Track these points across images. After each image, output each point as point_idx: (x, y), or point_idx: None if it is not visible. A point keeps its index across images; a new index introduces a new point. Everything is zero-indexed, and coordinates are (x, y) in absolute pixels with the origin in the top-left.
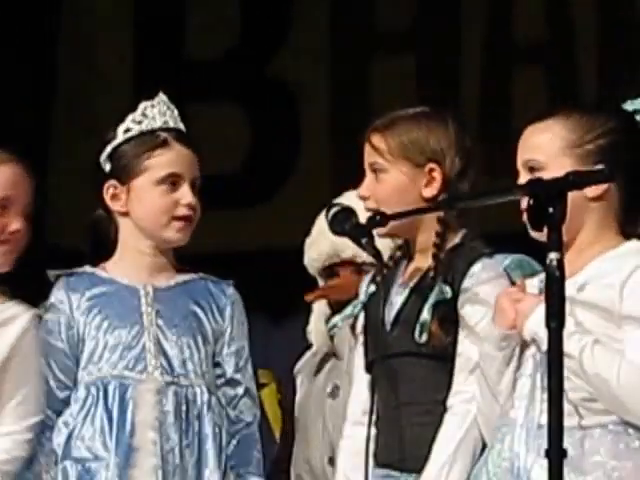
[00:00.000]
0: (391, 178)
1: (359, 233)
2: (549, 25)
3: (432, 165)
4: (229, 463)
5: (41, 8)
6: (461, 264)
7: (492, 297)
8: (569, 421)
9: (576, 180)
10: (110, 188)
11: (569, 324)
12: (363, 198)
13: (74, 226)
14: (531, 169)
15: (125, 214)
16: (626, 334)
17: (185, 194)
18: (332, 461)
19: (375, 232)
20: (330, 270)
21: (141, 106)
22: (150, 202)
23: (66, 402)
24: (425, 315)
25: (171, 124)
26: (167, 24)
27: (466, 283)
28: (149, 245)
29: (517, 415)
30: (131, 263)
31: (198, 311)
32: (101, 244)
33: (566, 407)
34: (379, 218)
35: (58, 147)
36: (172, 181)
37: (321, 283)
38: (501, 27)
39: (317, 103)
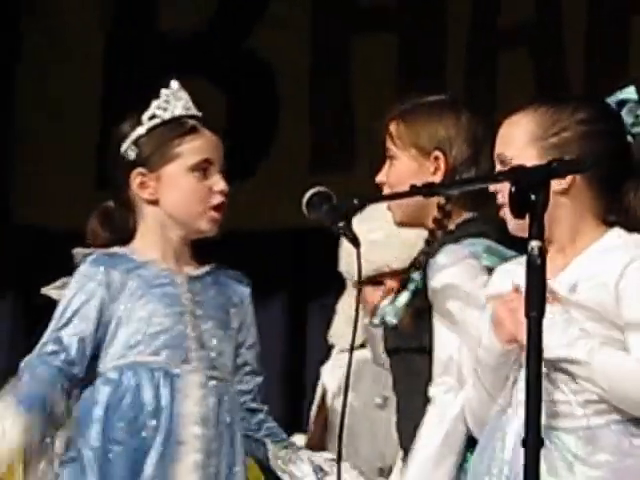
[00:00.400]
0: (401, 164)
1: (335, 217)
2: (537, 7)
3: (437, 153)
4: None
5: None
6: (433, 252)
7: (458, 279)
8: (577, 422)
9: (559, 168)
10: (138, 176)
11: (574, 329)
12: (380, 184)
13: (41, 206)
14: (502, 162)
15: (153, 202)
16: (630, 339)
17: (218, 181)
18: (382, 471)
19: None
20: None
21: (163, 93)
22: (184, 189)
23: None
24: (401, 299)
25: (193, 111)
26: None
27: (430, 272)
28: (178, 234)
29: (514, 417)
30: (158, 250)
31: (225, 302)
32: (113, 232)
33: (573, 409)
34: (357, 202)
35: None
36: (204, 167)
37: (350, 286)
38: (488, 8)
39: (296, 80)
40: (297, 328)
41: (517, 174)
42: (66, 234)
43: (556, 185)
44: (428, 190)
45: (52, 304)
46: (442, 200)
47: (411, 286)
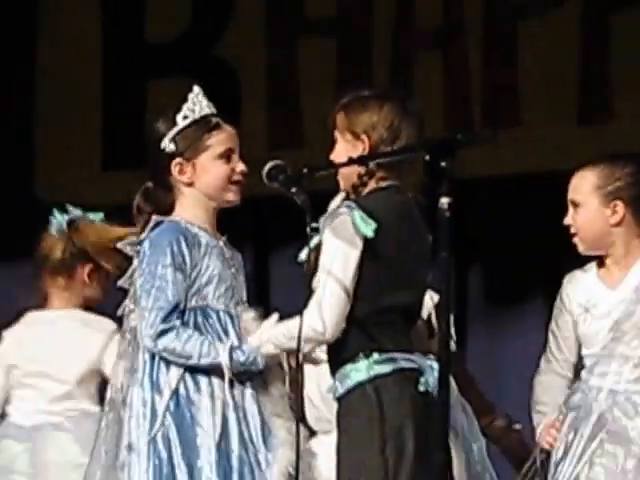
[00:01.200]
0: (340, 145)
1: (290, 183)
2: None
3: (364, 136)
4: None
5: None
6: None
7: (334, 232)
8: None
9: (462, 139)
10: (177, 165)
11: None
12: (331, 163)
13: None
14: (573, 204)
15: (190, 184)
16: None
17: (238, 163)
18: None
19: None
20: None
21: (190, 97)
22: (214, 173)
23: None
24: (311, 243)
25: (214, 110)
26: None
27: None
28: (212, 206)
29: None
30: (200, 221)
31: (237, 264)
32: (155, 207)
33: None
34: (305, 171)
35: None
36: (228, 155)
37: None
38: (406, 19)
39: (255, 79)
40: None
41: (430, 146)
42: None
43: (611, 220)
44: (355, 161)
45: None
46: (362, 171)
47: (318, 233)
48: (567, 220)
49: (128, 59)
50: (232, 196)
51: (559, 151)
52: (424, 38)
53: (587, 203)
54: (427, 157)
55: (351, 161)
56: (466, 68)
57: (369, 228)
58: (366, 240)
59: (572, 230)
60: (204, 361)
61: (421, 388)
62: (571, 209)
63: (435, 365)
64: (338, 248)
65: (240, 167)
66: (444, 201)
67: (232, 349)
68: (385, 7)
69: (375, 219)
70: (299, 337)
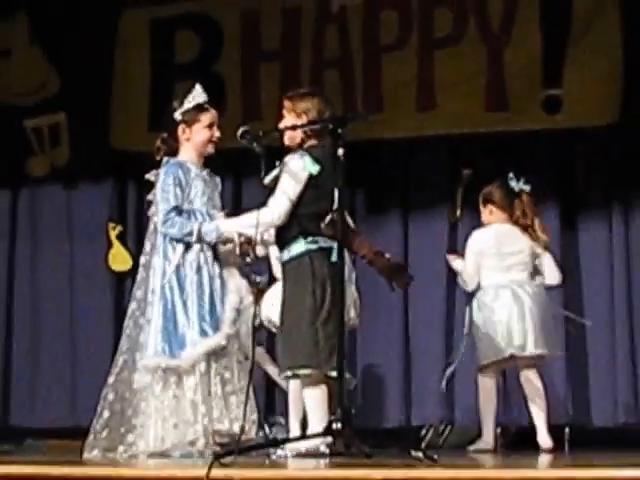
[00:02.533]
0: (288, 120)
1: (253, 140)
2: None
3: (303, 115)
4: None
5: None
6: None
7: (291, 168)
8: None
9: (349, 117)
10: (181, 128)
11: None
12: (281, 128)
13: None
14: None
15: (187, 140)
16: None
17: (215, 132)
18: None
19: None
20: None
21: (193, 90)
22: (202, 136)
23: None
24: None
25: (206, 99)
26: None
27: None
28: (200, 152)
29: None
30: (195, 162)
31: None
32: (168, 149)
33: None
34: (261, 133)
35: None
36: (210, 125)
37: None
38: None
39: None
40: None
41: (334, 120)
42: (131, 154)
43: None
44: (299, 126)
45: None
46: (304, 134)
47: (276, 168)
48: None
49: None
50: (210, 149)
51: None
52: None
53: None
54: (330, 126)
55: (293, 127)
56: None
57: (315, 168)
58: (310, 175)
59: None
60: (180, 233)
61: (333, 259)
62: None
63: (335, 245)
64: (291, 178)
65: (216, 134)
66: (340, 152)
67: (201, 224)
68: None
69: (319, 163)
70: (257, 224)
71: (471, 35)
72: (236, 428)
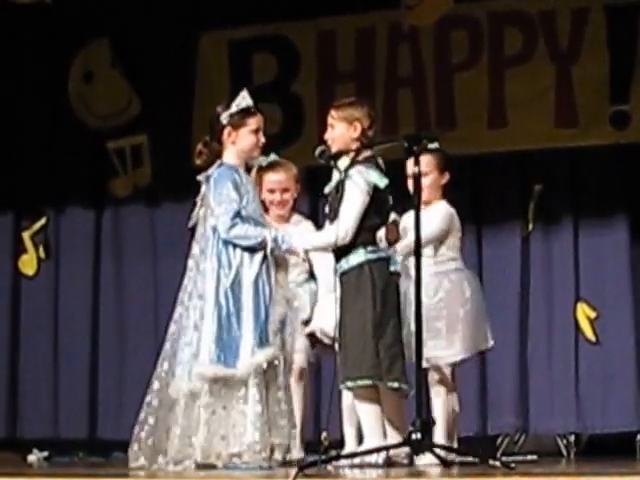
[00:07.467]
0: (337, 129)
1: (328, 158)
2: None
3: (356, 123)
4: None
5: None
6: (351, 167)
7: (356, 179)
8: None
9: (424, 136)
10: (227, 132)
11: None
12: (326, 140)
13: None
14: None
15: (233, 143)
16: None
17: (262, 137)
18: None
19: None
20: None
21: (240, 95)
22: (248, 140)
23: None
24: (331, 184)
25: (252, 103)
26: None
27: (348, 173)
28: (243, 157)
29: None
30: (236, 165)
31: None
32: (210, 153)
33: None
34: (332, 153)
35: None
36: (256, 130)
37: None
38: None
39: None
40: None
41: (407, 138)
42: None
43: None
44: (371, 145)
45: None
46: (360, 144)
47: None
48: None
49: None
50: (256, 153)
51: None
52: None
53: None
54: (406, 144)
55: (366, 146)
56: None
57: (383, 182)
58: (375, 188)
59: None
60: (254, 241)
61: (392, 269)
62: None
63: (397, 255)
64: (360, 193)
65: (262, 140)
66: (415, 169)
67: (275, 233)
68: None
69: (386, 176)
70: (329, 243)
71: (541, 53)
72: (280, 441)
